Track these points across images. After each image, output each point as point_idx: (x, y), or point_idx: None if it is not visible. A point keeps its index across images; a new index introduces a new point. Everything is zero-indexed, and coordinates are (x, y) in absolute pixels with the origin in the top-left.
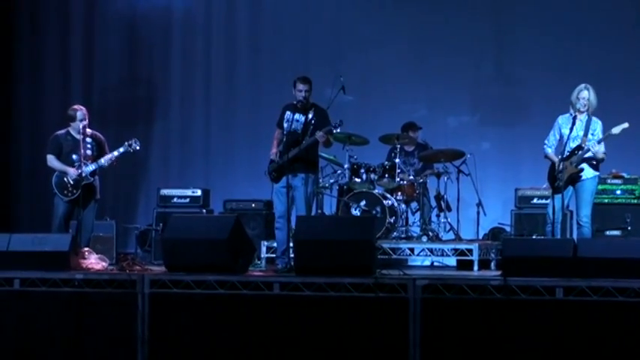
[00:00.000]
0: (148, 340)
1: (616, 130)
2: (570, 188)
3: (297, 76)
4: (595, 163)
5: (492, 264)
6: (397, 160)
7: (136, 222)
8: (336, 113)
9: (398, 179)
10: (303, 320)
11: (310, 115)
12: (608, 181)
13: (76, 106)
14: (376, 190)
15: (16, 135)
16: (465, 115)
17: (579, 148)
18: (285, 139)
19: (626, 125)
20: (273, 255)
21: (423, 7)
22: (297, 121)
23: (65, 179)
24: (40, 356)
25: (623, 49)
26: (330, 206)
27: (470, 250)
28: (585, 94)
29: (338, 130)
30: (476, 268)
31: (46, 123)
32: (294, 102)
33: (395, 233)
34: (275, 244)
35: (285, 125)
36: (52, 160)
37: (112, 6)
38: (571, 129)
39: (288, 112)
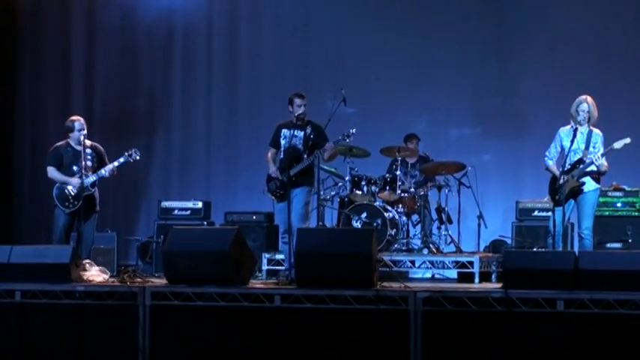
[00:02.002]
0: (149, 352)
1: (618, 145)
2: (571, 201)
3: (293, 92)
4: (597, 175)
5: (493, 276)
6: (398, 173)
7: (137, 234)
8: (337, 126)
9: (399, 191)
10: (303, 332)
11: (308, 131)
12: (609, 193)
13: (73, 117)
14: (377, 203)
15: (18, 147)
16: (467, 128)
17: (581, 161)
18: (284, 156)
19: (628, 140)
20: (275, 267)
21: (425, 20)
22: (296, 136)
23: (66, 191)
24: None
25: (625, 61)
26: (331, 218)
27: (471, 263)
28: (585, 107)
29: (349, 140)
30: (477, 280)
31: (47, 135)
32: (291, 120)
33: (396, 245)
34: (277, 256)
35: (283, 142)
36: (52, 172)
37: (112, 18)
38: (572, 142)
39: (284, 130)
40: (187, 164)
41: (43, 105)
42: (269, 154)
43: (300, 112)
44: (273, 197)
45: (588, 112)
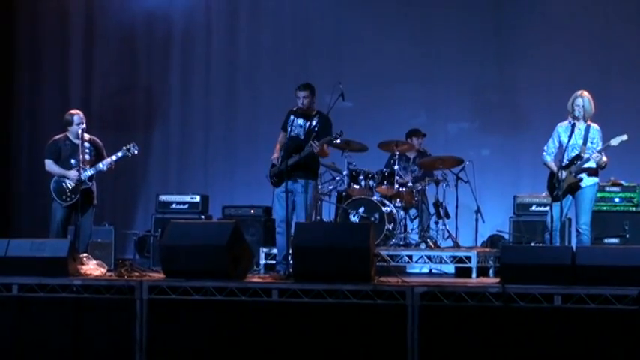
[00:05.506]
0: (146, 346)
1: (614, 141)
2: (569, 197)
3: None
4: (594, 170)
5: (491, 271)
6: (396, 167)
7: (135, 228)
8: (335, 120)
9: (397, 186)
10: (301, 327)
11: (314, 122)
12: (607, 188)
13: (72, 111)
14: (375, 197)
15: (16, 141)
16: (465, 122)
17: (578, 157)
18: (287, 144)
19: (624, 138)
20: (272, 261)
21: (424, 14)
22: (300, 126)
23: (64, 184)
24: None
25: (624, 57)
26: (328, 213)
27: (468, 258)
28: (579, 102)
29: (338, 141)
30: (474, 275)
31: (45, 129)
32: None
33: (393, 240)
34: (274, 250)
35: (289, 129)
36: (50, 165)
37: (111, 13)
38: (570, 137)
39: (292, 117)
40: (185, 158)
41: (41, 98)
42: (280, 138)
43: (300, 103)
44: (269, 181)
45: (583, 106)
